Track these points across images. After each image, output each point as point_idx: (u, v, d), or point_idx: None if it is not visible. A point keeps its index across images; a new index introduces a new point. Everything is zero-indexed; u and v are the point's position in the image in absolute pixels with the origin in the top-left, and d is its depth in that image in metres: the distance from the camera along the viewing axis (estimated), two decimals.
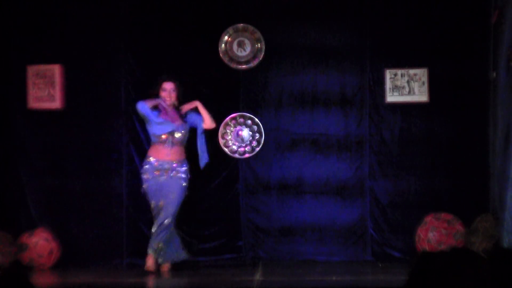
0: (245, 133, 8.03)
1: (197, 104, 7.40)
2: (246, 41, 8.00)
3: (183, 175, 7.31)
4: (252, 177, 8.06)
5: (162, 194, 7.21)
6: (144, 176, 7.29)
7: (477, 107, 7.82)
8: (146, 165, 7.28)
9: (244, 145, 8.03)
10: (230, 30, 7.99)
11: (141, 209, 7.93)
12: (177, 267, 7.51)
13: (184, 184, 7.30)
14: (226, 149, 8.02)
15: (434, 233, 7.58)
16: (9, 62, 8.02)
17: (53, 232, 7.70)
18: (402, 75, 7.93)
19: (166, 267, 7.28)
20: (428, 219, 7.64)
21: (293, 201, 8.04)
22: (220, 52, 7.97)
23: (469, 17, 7.82)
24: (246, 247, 8.04)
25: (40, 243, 7.63)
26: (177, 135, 7.28)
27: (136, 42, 8.01)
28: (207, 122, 7.41)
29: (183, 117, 7.37)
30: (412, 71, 7.91)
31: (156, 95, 7.32)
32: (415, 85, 7.90)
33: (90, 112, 7.92)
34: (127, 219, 7.91)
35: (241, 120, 8.04)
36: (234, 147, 8.03)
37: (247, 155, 8.03)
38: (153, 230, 7.20)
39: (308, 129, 8.03)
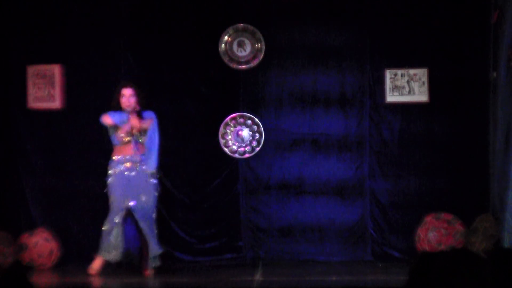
0: (245, 133, 8.03)
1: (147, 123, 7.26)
2: (246, 41, 8.00)
3: (152, 169, 7.20)
4: (252, 177, 8.06)
5: (128, 193, 7.09)
6: (111, 171, 7.16)
7: (477, 107, 7.82)
8: (111, 163, 7.18)
9: (244, 145, 8.03)
10: (230, 30, 7.99)
11: None
12: (177, 267, 7.53)
13: (154, 181, 7.20)
14: (226, 149, 8.02)
15: (434, 233, 7.59)
16: (9, 62, 8.02)
17: (53, 232, 7.70)
18: (402, 75, 7.93)
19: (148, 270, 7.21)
20: (428, 219, 7.64)
21: (293, 201, 8.04)
22: (220, 52, 7.97)
23: (469, 17, 7.81)
24: (246, 247, 8.04)
25: (40, 243, 7.63)
26: (141, 139, 7.20)
27: (136, 42, 8.01)
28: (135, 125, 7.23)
29: (140, 115, 7.23)
30: (412, 71, 7.91)
31: (117, 101, 7.22)
32: (415, 85, 7.90)
33: (90, 112, 7.90)
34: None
35: (241, 120, 8.04)
36: (234, 147, 8.03)
37: (247, 155, 8.03)
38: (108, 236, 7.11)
39: (308, 129, 8.03)
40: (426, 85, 7.89)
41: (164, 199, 7.93)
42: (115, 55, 7.92)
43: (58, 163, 7.96)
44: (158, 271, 7.26)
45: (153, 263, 7.18)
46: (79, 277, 7.16)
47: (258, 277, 7.12)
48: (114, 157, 7.20)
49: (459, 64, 7.86)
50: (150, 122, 7.26)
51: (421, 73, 7.91)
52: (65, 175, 7.95)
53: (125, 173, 7.14)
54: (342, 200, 8.01)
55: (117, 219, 7.08)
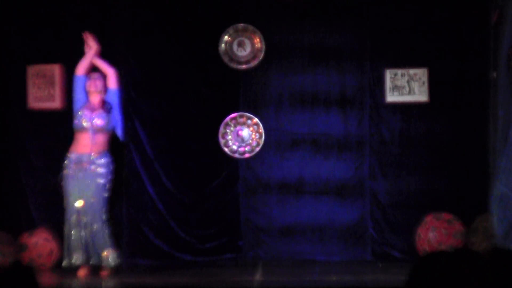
0: (245, 133, 8.03)
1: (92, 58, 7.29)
2: (246, 41, 8.00)
3: (102, 170, 7.13)
4: (252, 177, 8.06)
5: (80, 193, 7.07)
6: (64, 172, 7.18)
7: (477, 107, 7.81)
8: (66, 160, 7.18)
9: (244, 145, 8.03)
10: (230, 30, 7.99)
11: (141, 209, 7.94)
12: (177, 267, 7.54)
13: (102, 181, 7.12)
14: (226, 149, 8.02)
15: (434, 233, 7.59)
16: (9, 62, 8.01)
17: (53, 232, 7.70)
18: (402, 75, 7.93)
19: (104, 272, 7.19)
20: (428, 219, 7.64)
21: (293, 201, 8.04)
22: (220, 52, 7.97)
23: (469, 17, 7.81)
24: (246, 247, 8.04)
25: (40, 243, 7.62)
26: (98, 121, 7.14)
27: (136, 42, 8.01)
28: (108, 74, 7.25)
29: (106, 107, 7.22)
30: (412, 71, 7.91)
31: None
32: (415, 85, 7.90)
33: None
34: (127, 219, 7.90)
35: (241, 120, 8.04)
36: (234, 147, 8.03)
37: (247, 155, 8.03)
38: (72, 235, 7.07)
39: (308, 129, 8.03)
40: (426, 85, 7.89)
41: (164, 199, 7.94)
42: (115, 55, 7.90)
43: (58, 163, 7.95)
44: (158, 271, 7.27)
45: (109, 263, 7.13)
46: (79, 277, 7.15)
47: (258, 277, 7.12)
48: (69, 154, 7.18)
49: (459, 64, 7.85)
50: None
51: (421, 73, 7.91)
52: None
53: (75, 175, 7.12)
54: (342, 200, 8.01)
55: (73, 220, 7.08)
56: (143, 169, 7.95)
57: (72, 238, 7.08)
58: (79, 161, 7.12)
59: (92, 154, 7.13)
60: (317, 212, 8.01)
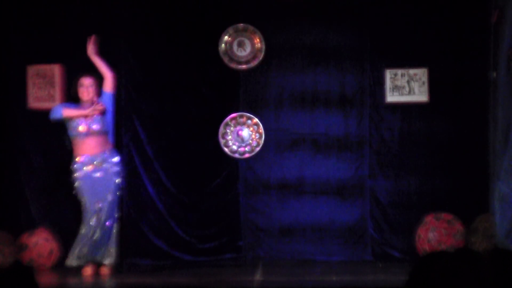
0: (245, 133, 8.03)
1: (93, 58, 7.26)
2: (246, 41, 8.00)
3: (116, 168, 7.17)
4: (252, 177, 8.06)
5: (98, 194, 7.09)
6: (76, 174, 7.16)
7: (477, 107, 7.82)
8: (75, 165, 7.16)
9: (244, 145, 8.03)
10: (230, 30, 7.99)
11: (141, 209, 7.94)
12: (177, 267, 7.54)
13: (118, 180, 7.17)
14: (226, 149, 8.02)
15: (434, 233, 7.59)
16: (9, 62, 8.01)
17: (53, 232, 7.70)
18: (402, 75, 7.93)
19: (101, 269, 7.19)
20: (428, 219, 7.64)
21: (293, 201, 8.04)
22: (220, 52, 7.97)
23: (469, 17, 7.82)
24: (246, 247, 8.04)
25: (40, 243, 7.63)
26: (94, 126, 7.13)
27: (136, 42, 8.01)
28: (106, 77, 7.21)
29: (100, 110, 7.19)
30: (412, 71, 7.91)
31: (75, 92, 7.21)
32: (415, 85, 7.91)
33: None
34: (127, 219, 7.90)
35: (241, 120, 8.04)
36: (234, 147, 8.03)
37: (247, 155, 8.03)
38: (91, 235, 7.08)
39: (308, 129, 8.03)
40: (426, 85, 7.89)
41: (164, 199, 7.94)
42: (115, 55, 7.91)
43: (58, 163, 7.96)
44: (158, 271, 7.26)
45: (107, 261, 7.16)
46: (79, 277, 7.16)
47: (258, 277, 7.13)
48: (77, 159, 7.17)
49: (459, 64, 7.86)
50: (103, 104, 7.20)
51: (421, 73, 7.91)
52: (65, 175, 7.95)
53: (91, 175, 7.12)
54: (342, 200, 8.01)
55: (92, 222, 7.08)
56: (143, 169, 7.95)
57: (97, 236, 7.07)
58: (92, 162, 7.11)
59: (101, 153, 7.13)
60: (317, 212, 8.01)
